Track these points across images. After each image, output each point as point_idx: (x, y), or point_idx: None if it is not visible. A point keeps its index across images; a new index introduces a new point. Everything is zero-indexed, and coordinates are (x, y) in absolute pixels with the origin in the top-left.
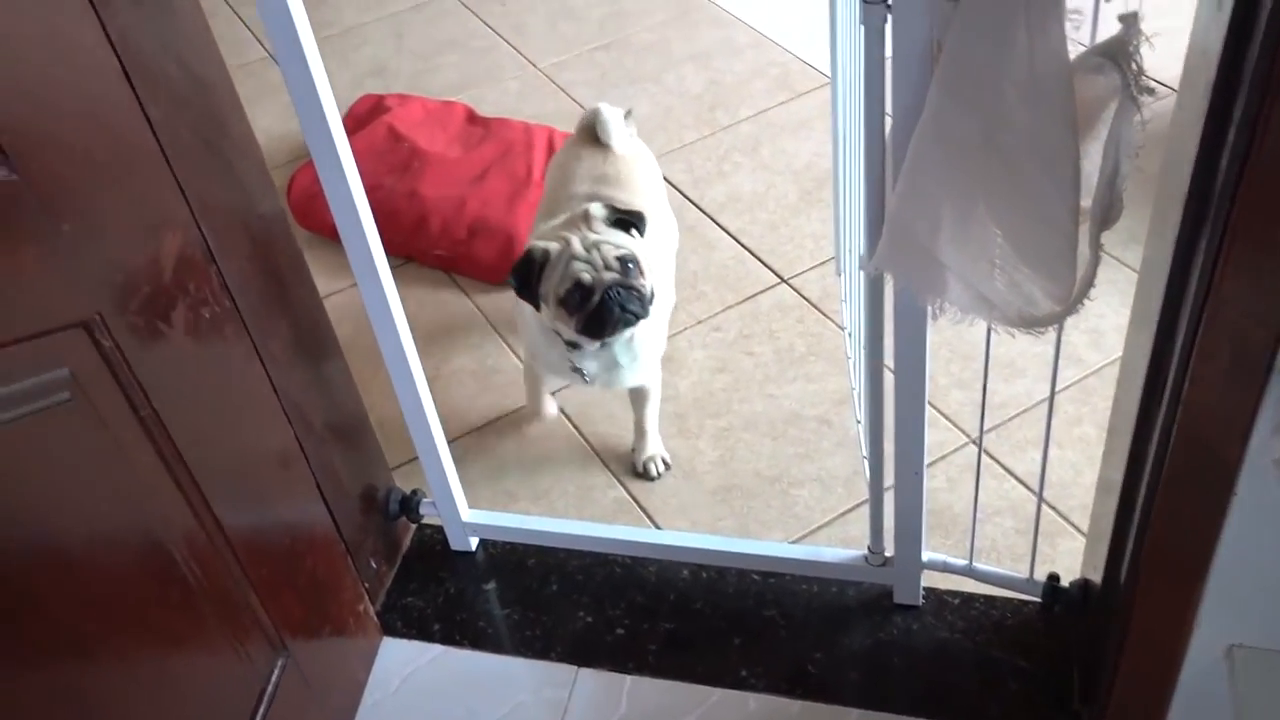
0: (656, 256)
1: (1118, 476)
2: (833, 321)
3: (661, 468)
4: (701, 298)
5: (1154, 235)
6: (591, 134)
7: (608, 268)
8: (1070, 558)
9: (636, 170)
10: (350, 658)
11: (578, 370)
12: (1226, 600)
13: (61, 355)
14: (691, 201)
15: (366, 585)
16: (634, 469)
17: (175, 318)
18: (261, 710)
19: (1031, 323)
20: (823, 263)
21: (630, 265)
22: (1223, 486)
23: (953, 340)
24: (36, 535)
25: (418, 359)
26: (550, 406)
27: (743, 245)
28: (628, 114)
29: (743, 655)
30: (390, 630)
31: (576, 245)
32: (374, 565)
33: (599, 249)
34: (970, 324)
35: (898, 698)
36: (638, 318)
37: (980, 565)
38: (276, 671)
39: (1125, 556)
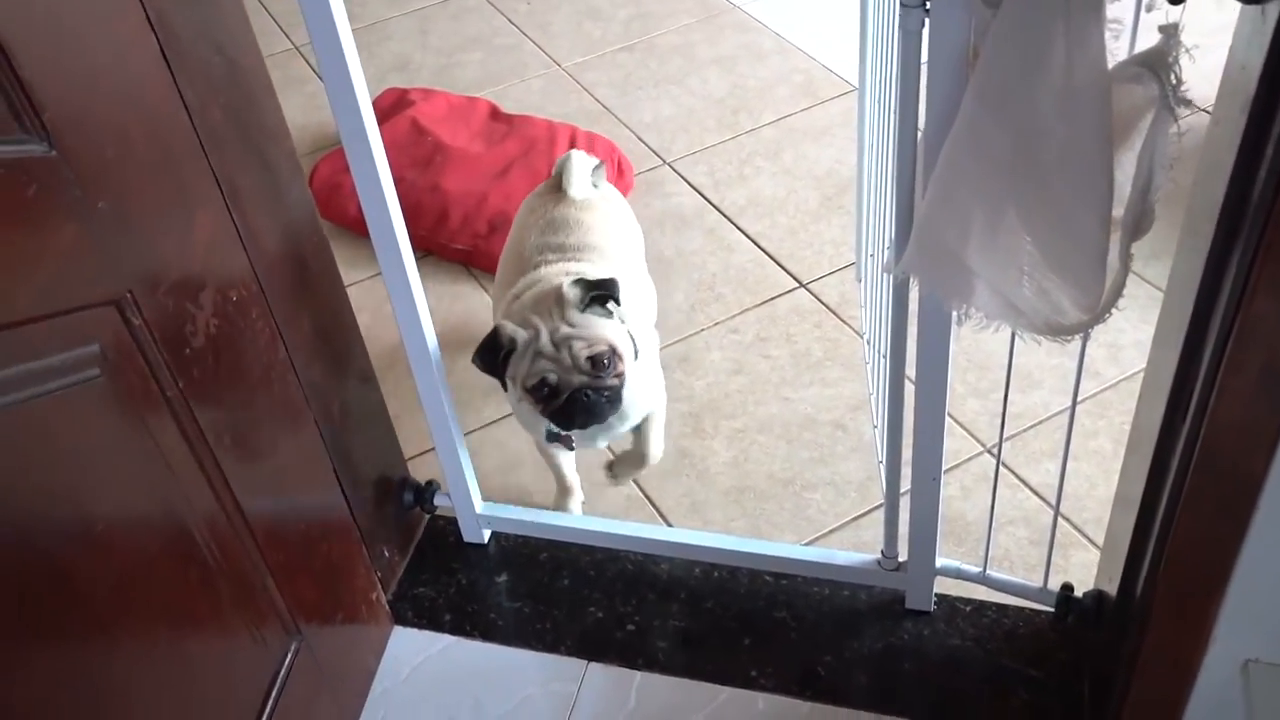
0: (635, 310)
1: (1137, 490)
2: (850, 327)
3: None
4: (720, 300)
5: (1183, 249)
6: (559, 180)
7: (577, 369)
8: (1083, 570)
9: (595, 214)
10: (362, 645)
11: (561, 437)
12: (1244, 615)
13: (92, 332)
14: (712, 204)
15: (379, 574)
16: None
17: (204, 299)
18: (274, 693)
19: (1058, 331)
20: (842, 268)
21: (603, 363)
22: (1245, 501)
23: (970, 349)
24: (62, 512)
25: (438, 349)
26: (576, 480)
27: (762, 249)
28: (598, 166)
29: (753, 655)
30: (401, 619)
31: (544, 340)
32: (387, 554)
33: (569, 347)
34: (994, 330)
35: (907, 703)
36: (607, 416)
37: (994, 573)
38: (289, 655)
39: (1143, 569)
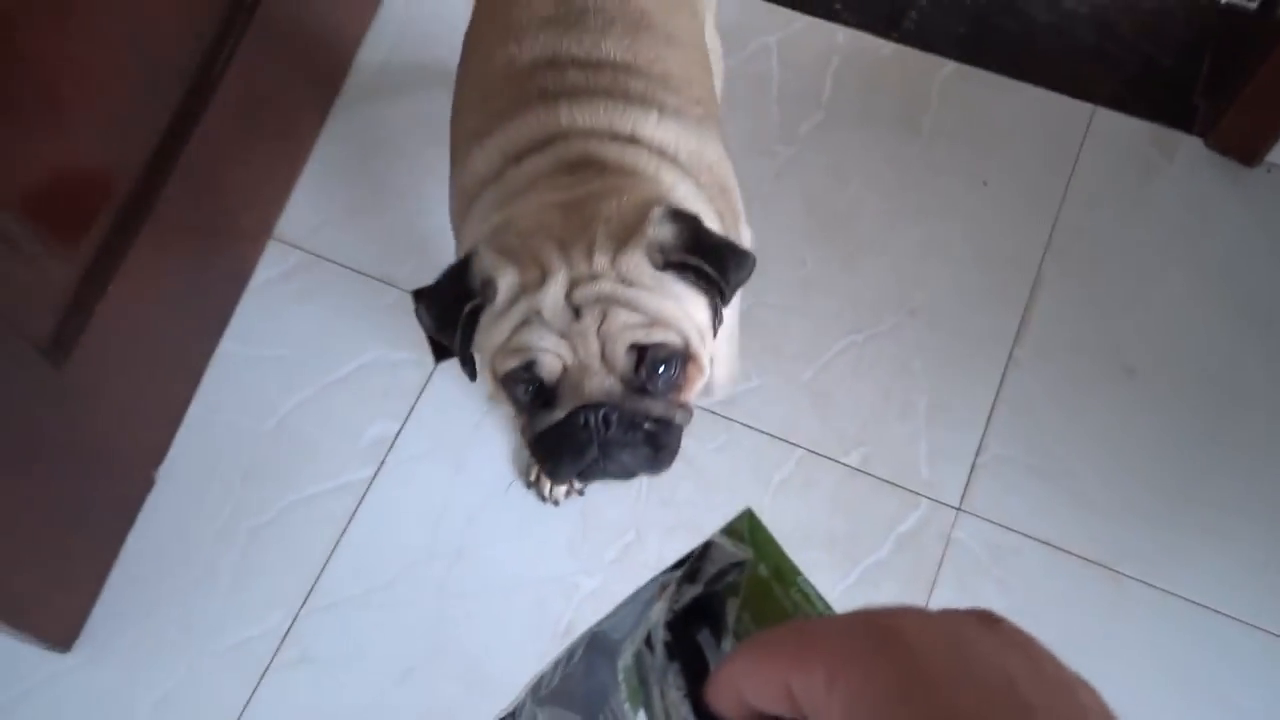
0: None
1: None
2: None
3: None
4: None
5: None
6: None
7: (605, 363)
8: None
9: None
10: None
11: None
12: None
13: None
14: None
15: None
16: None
17: None
18: None
19: None
20: None
21: (659, 369)
22: None
23: None
24: None
25: None
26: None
27: None
28: None
29: None
30: None
31: (554, 293)
32: None
33: (599, 312)
34: None
35: (998, 60)
36: (638, 469)
37: None
38: None
39: None
